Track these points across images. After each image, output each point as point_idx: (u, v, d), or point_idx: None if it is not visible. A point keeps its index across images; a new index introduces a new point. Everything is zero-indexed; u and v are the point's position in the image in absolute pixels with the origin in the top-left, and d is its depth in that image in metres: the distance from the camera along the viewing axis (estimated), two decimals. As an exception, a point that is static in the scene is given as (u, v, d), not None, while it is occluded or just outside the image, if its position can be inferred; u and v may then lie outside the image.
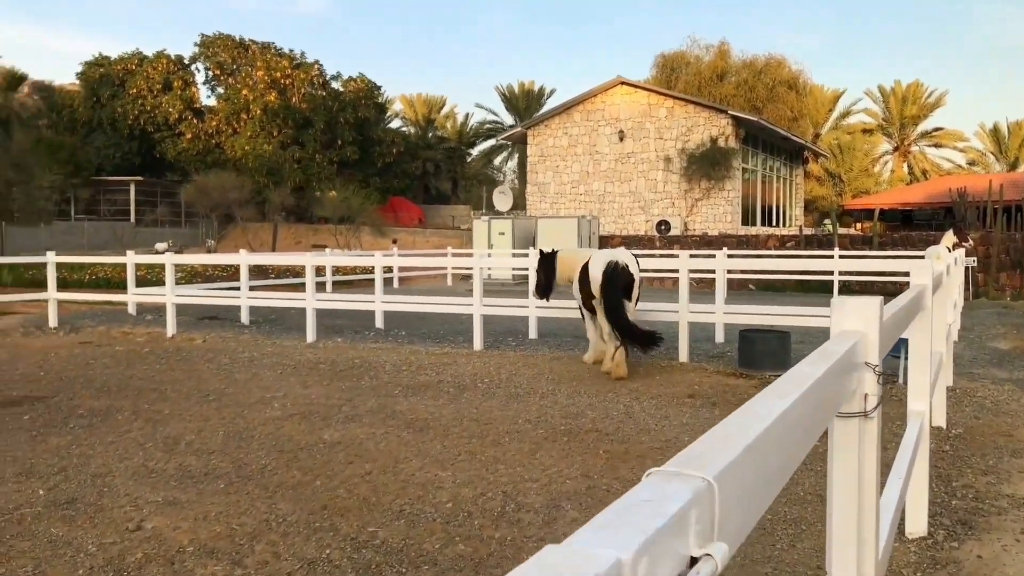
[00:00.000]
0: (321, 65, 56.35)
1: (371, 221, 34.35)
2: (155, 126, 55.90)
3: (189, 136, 54.49)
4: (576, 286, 10.60)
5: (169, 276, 14.31)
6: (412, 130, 67.44)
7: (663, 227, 29.82)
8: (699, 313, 11.18)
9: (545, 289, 11.08)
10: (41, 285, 22.65)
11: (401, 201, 58.18)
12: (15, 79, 78.89)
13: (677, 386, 9.15)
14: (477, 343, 11.90)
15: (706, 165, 28.75)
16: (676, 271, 11.26)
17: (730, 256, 19.24)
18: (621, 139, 30.74)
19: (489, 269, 25.32)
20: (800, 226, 32.57)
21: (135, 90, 55.77)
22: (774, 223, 34.14)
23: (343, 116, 53.87)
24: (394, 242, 33.03)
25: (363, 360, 10.98)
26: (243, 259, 14.72)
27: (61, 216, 51.24)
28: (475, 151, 68.02)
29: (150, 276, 22.19)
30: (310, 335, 12.98)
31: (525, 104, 62.27)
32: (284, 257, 18.24)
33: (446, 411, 7.72)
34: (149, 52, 57.96)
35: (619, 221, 30.86)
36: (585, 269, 10.20)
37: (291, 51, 57.38)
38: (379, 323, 14.63)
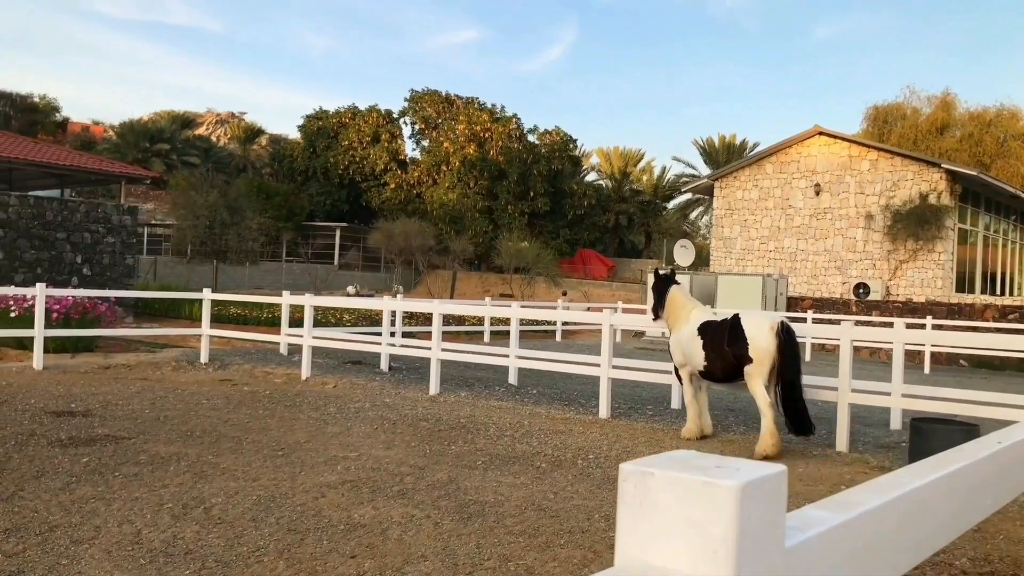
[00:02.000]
0: (519, 119, 57.27)
1: (546, 271, 33.73)
2: (363, 176, 58.95)
3: (392, 186, 56.95)
4: (686, 340, 9.11)
5: (307, 318, 14.12)
6: (608, 183, 66.97)
7: (861, 290, 26.90)
8: (866, 393, 9.27)
9: (656, 312, 9.75)
10: (229, 322, 23.76)
11: (591, 253, 57.51)
12: (253, 132, 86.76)
13: (822, 483, 7.42)
14: (603, 410, 10.59)
15: (913, 224, 25.65)
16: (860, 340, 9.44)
17: (916, 327, 16.65)
18: (817, 193, 28.24)
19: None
20: (1031, 296, 28.37)
21: (347, 142, 59.19)
22: (997, 291, 30.00)
23: (536, 168, 54.26)
24: (564, 294, 32.14)
25: (471, 419, 9.99)
26: (387, 304, 14.29)
27: (273, 257, 54.87)
28: (671, 205, 66.35)
29: (322, 319, 22.54)
30: (433, 387, 12.20)
31: (725, 158, 60.00)
32: (417, 304, 17.79)
33: (517, 494, 6.53)
34: (363, 106, 61.43)
35: (811, 282, 28.23)
36: (731, 329, 8.72)
37: (492, 105, 58.80)
38: (512, 379, 13.65)
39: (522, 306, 15.18)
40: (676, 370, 9.58)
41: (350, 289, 42.57)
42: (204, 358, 15.40)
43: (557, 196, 55.88)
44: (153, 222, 46.84)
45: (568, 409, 11.11)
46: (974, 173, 26.64)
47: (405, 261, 44.43)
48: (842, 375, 8.87)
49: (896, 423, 10.41)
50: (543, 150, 56.75)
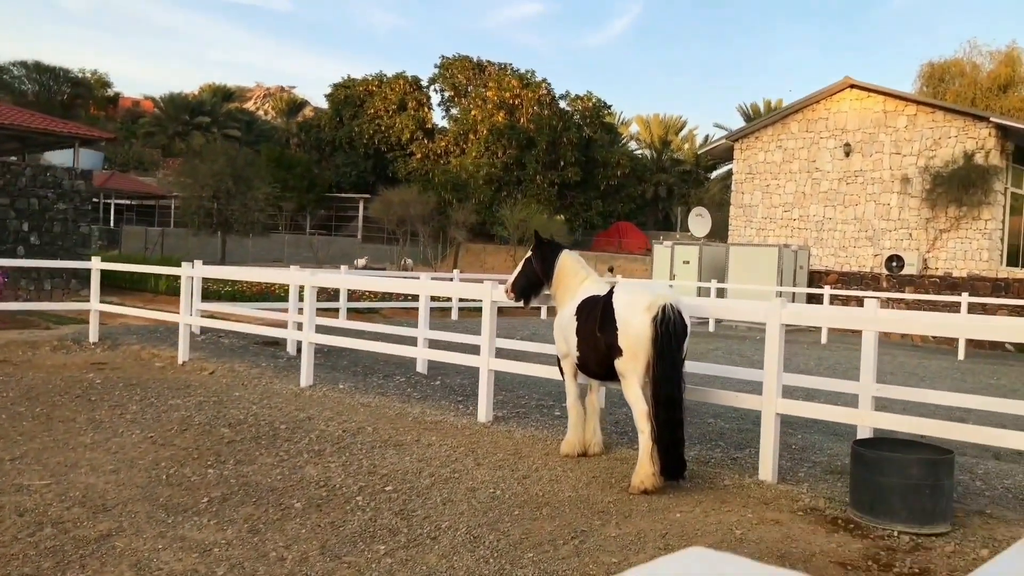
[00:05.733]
0: (549, 84, 54.45)
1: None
2: (388, 145, 56.91)
3: (419, 156, 54.80)
4: (566, 322, 6.72)
5: (184, 292, 12.03)
6: (647, 152, 63.80)
7: (895, 263, 23.76)
8: (812, 403, 6.71)
9: (526, 289, 7.30)
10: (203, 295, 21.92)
11: (627, 226, 54.63)
12: (296, 105, 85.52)
13: (716, 531, 4.99)
14: (482, 412, 8.21)
15: (956, 187, 22.30)
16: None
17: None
18: (847, 154, 25.03)
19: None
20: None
21: (372, 111, 57.15)
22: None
23: (567, 136, 51.50)
24: (610, 269, 29.55)
25: (302, 422, 7.72)
26: (298, 277, 12.07)
27: (296, 230, 53.32)
28: (714, 175, 62.96)
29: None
30: (304, 379, 9.96)
31: (770, 124, 56.41)
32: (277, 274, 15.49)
33: (174, 567, 4.24)
34: (391, 73, 59.18)
35: (839, 254, 25.11)
36: (601, 305, 6.30)
37: (528, 72, 55.95)
38: (420, 367, 11.34)
39: (433, 279, 12.79)
40: (559, 362, 7.16)
41: (359, 262, 40.76)
42: (93, 337, 13.42)
43: (589, 165, 53.06)
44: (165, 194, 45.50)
45: (454, 409, 8.76)
46: (1029, 129, 23.11)
47: (433, 234, 42.21)
48: (768, 372, 6.31)
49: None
50: (575, 117, 53.91)
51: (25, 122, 21.30)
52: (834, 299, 20.21)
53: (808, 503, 5.87)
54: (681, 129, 64.36)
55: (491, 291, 7.98)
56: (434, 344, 11.54)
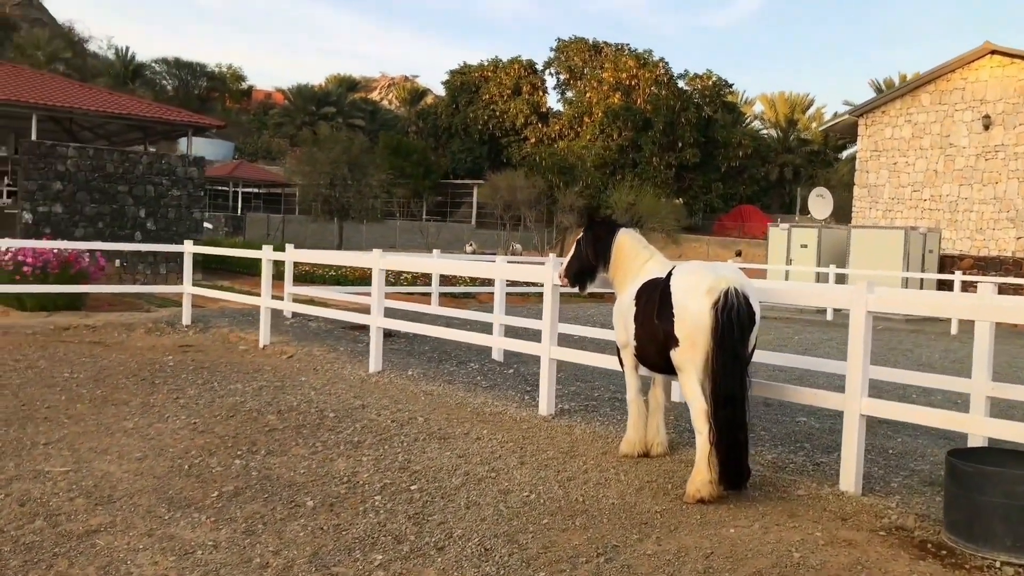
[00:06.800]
0: (667, 63, 52.91)
1: (662, 226, 30.01)
2: (502, 131, 56.78)
3: (533, 140, 54.43)
4: (625, 308, 6.04)
5: (265, 275, 12.00)
6: (773, 132, 61.18)
7: (1041, 247, 21.56)
8: (904, 405, 5.83)
9: (580, 275, 6.58)
10: (300, 279, 22.27)
11: (751, 210, 52.55)
12: (418, 94, 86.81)
13: (772, 553, 4.28)
14: (543, 404, 7.64)
15: (1115, 161, 19.98)
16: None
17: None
18: (987, 127, 22.83)
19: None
20: None
21: (487, 96, 57.11)
22: None
23: (685, 116, 49.90)
24: (737, 253, 28.40)
25: (354, 411, 7.38)
26: (366, 260, 11.85)
27: (412, 216, 53.90)
28: (844, 155, 59.75)
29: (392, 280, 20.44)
30: (373, 364, 9.66)
31: (906, 99, 52.89)
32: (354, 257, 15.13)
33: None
34: (506, 58, 58.94)
35: (976, 237, 22.99)
36: (660, 290, 5.62)
37: (645, 51, 54.47)
38: (496, 354, 10.86)
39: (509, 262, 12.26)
40: (618, 352, 6.49)
41: (468, 247, 40.73)
42: (186, 319, 13.65)
43: (709, 146, 51.30)
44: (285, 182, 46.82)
45: (519, 400, 8.24)
46: None
47: (540, 218, 41.73)
48: (851, 367, 5.45)
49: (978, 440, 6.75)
50: (694, 96, 52.18)
51: (140, 111, 22.09)
52: (967, 286, 18.46)
53: (894, 521, 5.03)
54: (808, 107, 61.38)
55: (552, 273, 7.39)
56: (510, 331, 11.05)
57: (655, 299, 5.65)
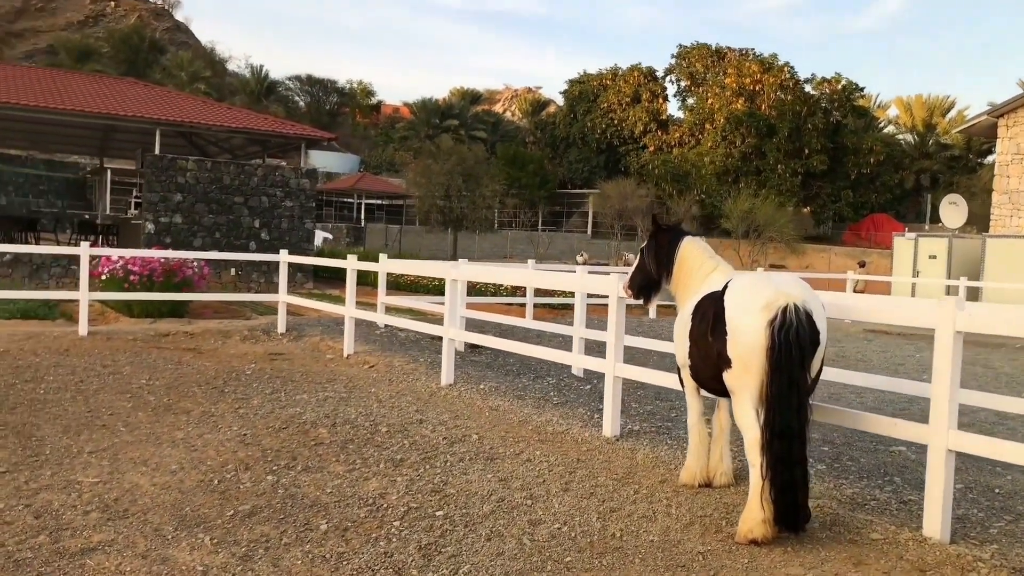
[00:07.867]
0: (792, 67, 50.86)
1: (780, 235, 28.55)
2: (620, 139, 56.07)
3: (652, 148, 53.44)
4: (683, 324, 5.49)
5: (350, 285, 12.00)
6: (909, 137, 57.89)
7: None
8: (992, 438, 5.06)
9: (645, 288, 6.06)
10: (404, 288, 22.48)
11: (883, 218, 49.75)
12: (539, 105, 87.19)
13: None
14: (607, 425, 7.15)
15: None
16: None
17: None
18: None
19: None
20: None
21: (605, 104, 56.56)
22: None
23: (812, 122, 47.81)
24: (861, 264, 26.94)
25: (410, 425, 7.11)
26: (440, 270, 11.63)
27: (531, 227, 53.83)
28: (989, 160, 55.85)
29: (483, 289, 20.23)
30: (445, 376, 9.41)
31: (1060, 98, 48.83)
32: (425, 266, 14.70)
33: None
34: (626, 66, 58.23)
35: None
36: (715, 303, 5.08)
37: (771, 56, 52.61)
38: (575, 369, 10.39)
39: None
40: (678, 371, 5.95)
41: (579, 258, 40.24)
42: (281, 327, 13.87)
43: (837, 153, 48.92)
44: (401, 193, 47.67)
45: (586, 419, 7.77)
46: None
47: (625, 226, 40.80)
48: (937, 396, 4.73)
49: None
50: (822, 101, 49.91)
51: (255, 125, 22.83)
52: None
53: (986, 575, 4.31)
54: (949, 110, 57.67)
55: (617, 285, 6.91)
56: (591, 345, 10.58)
57: (709, 315, 5.11)
